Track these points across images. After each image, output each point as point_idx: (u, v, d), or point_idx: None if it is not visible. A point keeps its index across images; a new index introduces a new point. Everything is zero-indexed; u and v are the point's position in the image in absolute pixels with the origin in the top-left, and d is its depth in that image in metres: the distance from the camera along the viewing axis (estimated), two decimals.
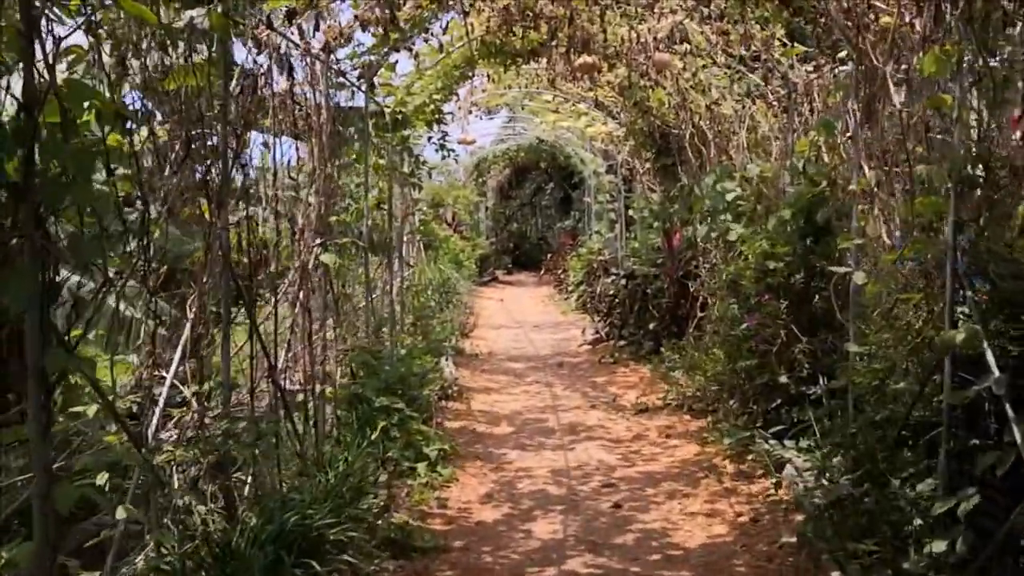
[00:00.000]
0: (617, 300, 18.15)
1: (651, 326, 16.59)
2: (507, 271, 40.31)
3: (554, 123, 23.27)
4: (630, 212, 23.52)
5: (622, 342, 17.58)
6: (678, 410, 12.36)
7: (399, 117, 12.95)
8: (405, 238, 17.43)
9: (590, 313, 21.34)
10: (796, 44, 10.71)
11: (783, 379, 9.83)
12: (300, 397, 8.46)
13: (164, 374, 6.33)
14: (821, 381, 9.59)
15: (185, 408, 6.51)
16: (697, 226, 15.34)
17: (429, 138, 15.68)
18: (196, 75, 6.24)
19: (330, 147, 9.40)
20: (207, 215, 6.45)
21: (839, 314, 9.35)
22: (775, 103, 12.31)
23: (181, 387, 6.39)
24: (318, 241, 8.87)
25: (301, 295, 8.18)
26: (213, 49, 6.51)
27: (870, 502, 6.86)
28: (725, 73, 13.24)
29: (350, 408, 9.56)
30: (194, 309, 6.41)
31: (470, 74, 15.67)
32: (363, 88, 11.33)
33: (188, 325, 6.39)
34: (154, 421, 5.91)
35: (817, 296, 10.23)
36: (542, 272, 36.34)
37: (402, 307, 16.39)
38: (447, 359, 15.58)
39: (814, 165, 10.34)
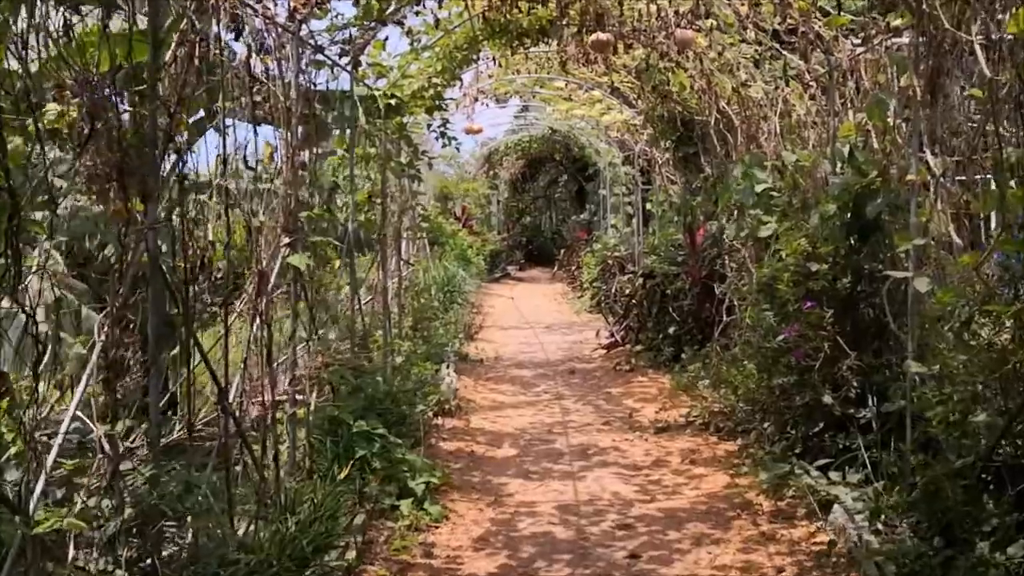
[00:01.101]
0: (634, 301, 16.82)
1: (671, 330, 15.26)
2: (519, 267, 38.97)
3: (567, 112, 21.89)
4: (648, 206, 22.21)
5: (639, 347, 16.27)
6: (703, 430, 11.02)
7: (392, 102, 11.62)
8: (405, 234, 16.13)
9: (605, 314, 20.00)
10: (842, 13, 9.31)
11: (827, 399, 8.51)
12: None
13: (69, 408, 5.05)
14: (870, 402, 8.32)
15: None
16: (723, 221, 14.08)
17: (429, 126, 14.39)
18: (109, 41, 4.98)
19: (304, 132, 8.13)
20: (127, 209, 5.17)
21: (892, 325, 8.08)
22: (812, 83, 10.96)
23: (89, 423, 5.09)
24: (286, 240, 7.58)
25: (260, 304, 6.86)
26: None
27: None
28: (756, 51, 11.90)
29: (325, 434, 8.25)
30: (106, 328, 5.10)
31: (474, 57, 14.35)
32: (347, 67, 10.01)
33: (97, 348, 5.08)
34: (43, 475, 4.61)
35: (864, 303, 8.95)
36: (555, 268, 35.01)
37: (400, 310, 15.11)
38: (448, 366, 14.31)
39: (862, 152, 9.02)
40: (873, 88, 9.16)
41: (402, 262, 15.45)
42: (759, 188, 11.20)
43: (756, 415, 9.96)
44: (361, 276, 12.86)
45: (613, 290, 20.83)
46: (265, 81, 7.01)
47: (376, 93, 11.39)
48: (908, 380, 7.56)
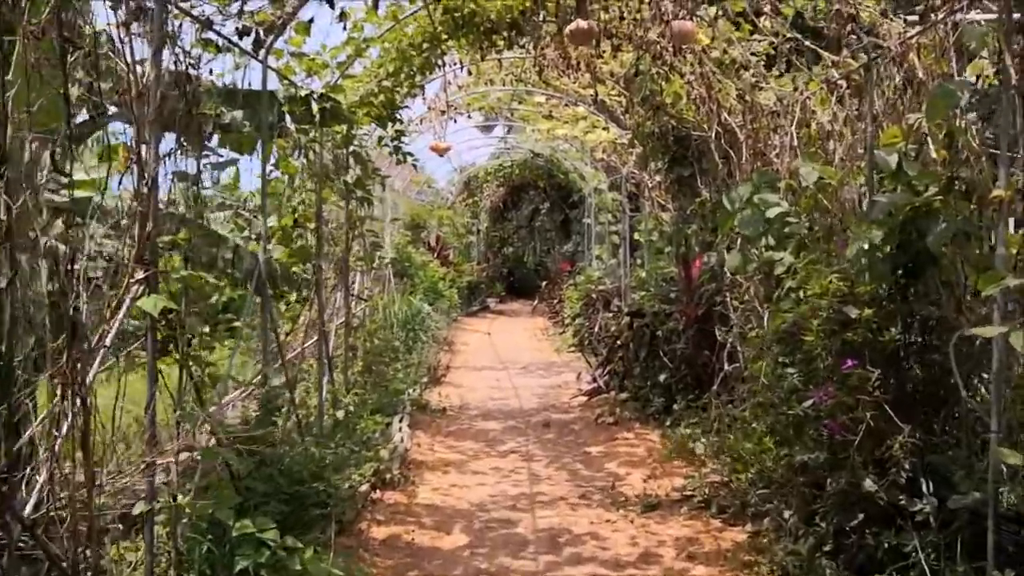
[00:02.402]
0: (619, 343, 14.73)
1: (662, 378, 13.14)
2: (500, 299, 36.76)
3: (548, 132, 19.85)
4: (635, 235, 20.17)
5: (624, 395, 14.16)
6: (702, 508, 8.89)
7: (327, 106, 9.55)
8: (356, 266, 14.02)
9: (586, 355, 17.90)
10: None
11: (869, 485, 6.44)
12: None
13: None
14: (926, 490, 6.29)
15: None
16: (724, 253, 12.07)
17: (381, 139, 12.34)
18: None
19: (178, 129, 6.09)
20: None
21: (964, 392, 6.06)
22: (842, 82, 8.94)
23: None
24: (139, 275, 5.50)
25: (73, 367, 4.74)
26: None
27: None
28: (771, 44, 9.91)
29: (204, 535, 6.12)
30: None
31: (437, 61, 12.29)
32: (251, 52, 7.96)
33: None
34: None
35: (915, 360, 6.90)
36: (536, 302, 32.82)
37: (349, 353, 13.00)
38: (401, 420, 12.20)
39: (912, 164, 6.95)
40: (930, 80, 7.13)
41: (352, 298, 13.35)
42: (771, 213, 9.21)
43: (773, 498, 7.86)
44: (288, 317, 10.83)
45: (596, 328, 18.82)
46: (83, 46, 4.88)
47: (306, 93, 9.34)
48: (991, 470, 5.54)
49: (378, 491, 9.26)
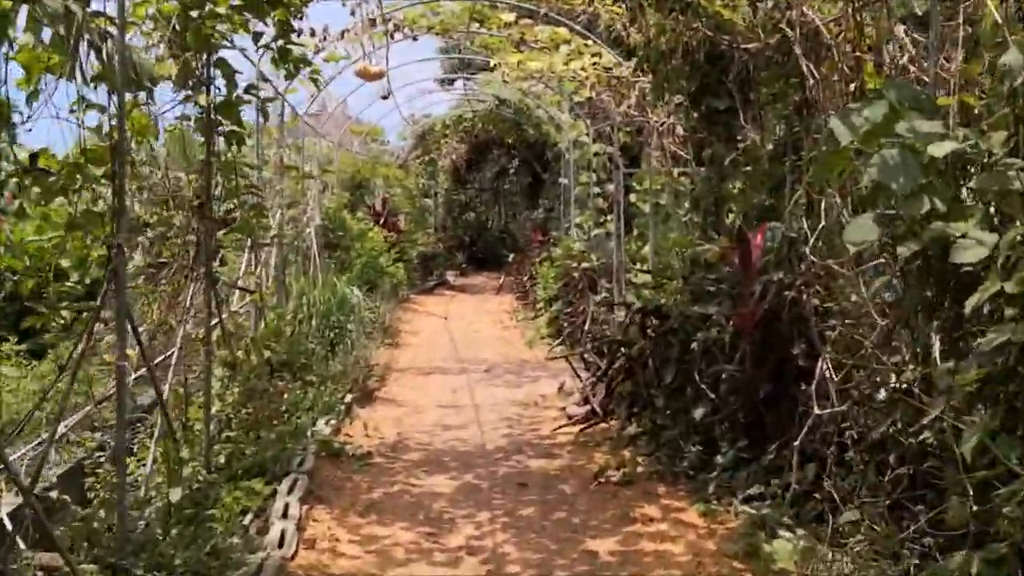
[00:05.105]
0: (625, 352, 10.11)
1: (698, 414, 8.59)
2: (460, 271, 31.75)
3: (519, 65, 15.05)
4: (632, 197, 15.62)
5: (633, 427, 9.68)
6: None
7: None
8: (231, 242, 9.39)
9: (571, 358, 12.87)
10: None
11: None
12: None
13: None
14: None
15: None
16: (802, 222, 7.80)
17: (256, 36, 7.71)
18: None
19: None
20: None
21: None
22: None
23: None
24: None
25: None
26: None
27: None
28: None
29: None
30: None
31: None
32: None
33: None
34: None
35: None
36: (503, 277, 27.90)
37: (221, 379, 8.45)
38: (293, 486, 7.70)
39: None
40: None
41: (225, 292, 8.75)
42: (937, 151, 4.96)
43: None
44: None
45: (586, 322, 14.29)
46: None
47: None
48: None
49: None
